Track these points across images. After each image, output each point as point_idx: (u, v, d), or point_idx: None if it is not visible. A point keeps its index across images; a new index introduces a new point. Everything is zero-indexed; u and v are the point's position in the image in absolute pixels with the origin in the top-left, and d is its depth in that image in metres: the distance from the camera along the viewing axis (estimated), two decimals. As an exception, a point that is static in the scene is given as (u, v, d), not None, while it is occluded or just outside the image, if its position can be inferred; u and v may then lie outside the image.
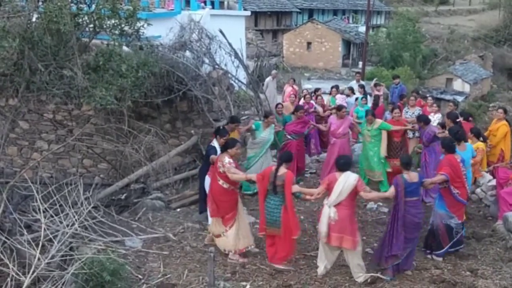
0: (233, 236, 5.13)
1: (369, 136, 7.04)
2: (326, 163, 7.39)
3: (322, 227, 4.69)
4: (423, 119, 6.93)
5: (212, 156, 5.37)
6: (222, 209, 5.18)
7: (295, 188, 4.91)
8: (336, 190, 4.61)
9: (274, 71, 12.82)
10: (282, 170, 4.84)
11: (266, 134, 6.86)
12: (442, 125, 6.94)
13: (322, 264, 4.88)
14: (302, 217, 6.38)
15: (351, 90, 10.40)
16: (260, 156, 6.81)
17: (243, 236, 5.16)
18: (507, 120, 7.35)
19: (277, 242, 4.98)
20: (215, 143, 5.69)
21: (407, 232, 4.79)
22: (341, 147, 7.08)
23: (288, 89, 10.77)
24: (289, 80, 11.27)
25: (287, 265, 4.99)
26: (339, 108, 7.44)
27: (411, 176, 4.84)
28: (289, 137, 7.29)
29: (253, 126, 6.84)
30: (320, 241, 4.89)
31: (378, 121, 7.16)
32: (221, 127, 6.04)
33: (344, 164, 4.77)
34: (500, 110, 7.50)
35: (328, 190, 4.70)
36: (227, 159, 5.07)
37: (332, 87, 10.45)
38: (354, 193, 4.66)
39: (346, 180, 4.61)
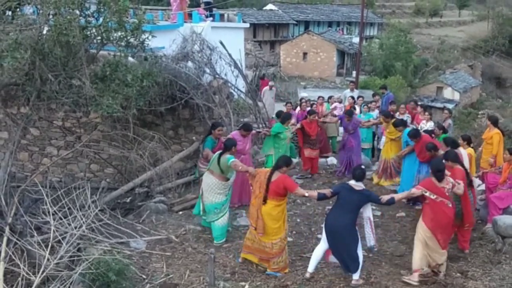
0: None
1: (289, 138, 7.87)
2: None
3: None
4: (348, 113, 8.47)
5: (419, 188, 4.78)
6: (450, 234, 5.01)
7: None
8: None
9: (271, 82, 13.10)
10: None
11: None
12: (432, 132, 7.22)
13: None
14: (298, 220, 6.52)
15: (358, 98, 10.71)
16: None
17: None
18: (499, 129, 7.45)
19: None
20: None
21: None
22: (249, 160, 6.94)
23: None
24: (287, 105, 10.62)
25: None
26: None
27: None
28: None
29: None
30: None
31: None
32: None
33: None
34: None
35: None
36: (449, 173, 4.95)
37: (352, 97, 10.63)
38: None
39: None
